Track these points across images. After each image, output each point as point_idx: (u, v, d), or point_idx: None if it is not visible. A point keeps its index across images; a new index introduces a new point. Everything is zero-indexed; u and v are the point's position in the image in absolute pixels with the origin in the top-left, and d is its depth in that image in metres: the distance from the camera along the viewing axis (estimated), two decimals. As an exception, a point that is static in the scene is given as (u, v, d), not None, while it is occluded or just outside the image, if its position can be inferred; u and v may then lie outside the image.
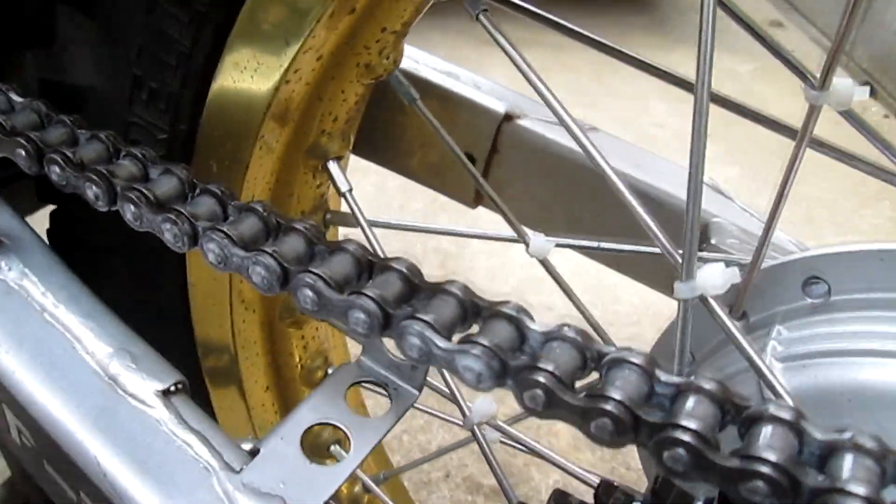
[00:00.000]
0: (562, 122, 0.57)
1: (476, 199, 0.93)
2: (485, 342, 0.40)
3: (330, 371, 0.88)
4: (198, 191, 0.52)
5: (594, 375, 0.41)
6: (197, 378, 0.84)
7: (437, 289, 0.45)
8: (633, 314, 1.98)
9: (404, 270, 0.45)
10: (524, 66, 0.54)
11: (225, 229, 0.47)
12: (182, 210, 0.49)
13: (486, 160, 0.89)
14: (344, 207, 0.75)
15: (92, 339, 0.54)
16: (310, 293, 0.45)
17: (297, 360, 0.86)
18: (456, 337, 0.44)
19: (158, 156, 0.63)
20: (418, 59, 0.88)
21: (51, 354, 0.54)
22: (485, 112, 0.86)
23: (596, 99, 2.91)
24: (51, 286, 0.57)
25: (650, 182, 0.82)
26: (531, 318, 0.43)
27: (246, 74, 0.58)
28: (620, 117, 2.80)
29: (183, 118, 0.62)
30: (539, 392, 0.39)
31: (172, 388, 0.53)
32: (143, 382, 0.53)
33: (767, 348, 0.59)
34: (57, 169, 0.52)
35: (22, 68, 0.64)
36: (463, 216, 1.09)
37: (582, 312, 0.74)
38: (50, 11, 0.62)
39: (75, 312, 0.56)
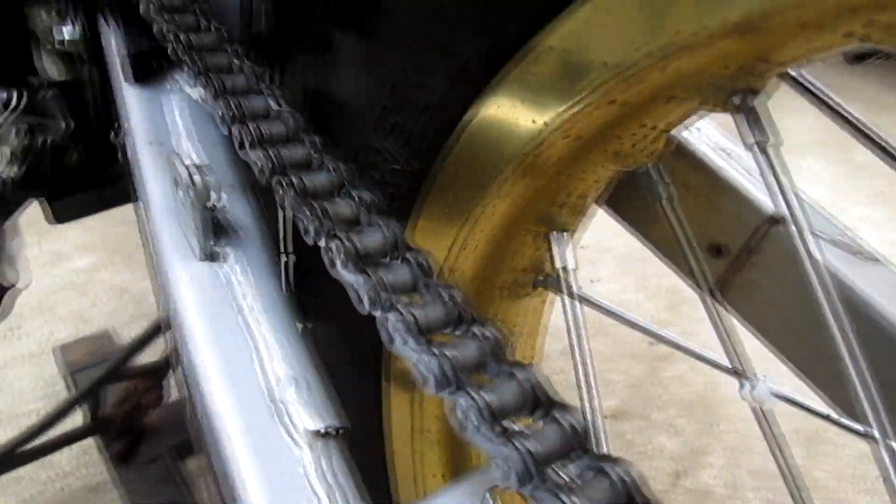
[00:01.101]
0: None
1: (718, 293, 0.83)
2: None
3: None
4: (397, 254, 0.50)
5: None
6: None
7: (597, 465, 0.39)
8: None
9: (567, 425, 0.40)
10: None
11: (402, 311, 0.45)
12: (371, 273, 0.47)
13: (737, 257, 0.78)
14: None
15: (269, 354, 0.56)
16: (461, 414, 0.41)
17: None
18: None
19: (389, 192, 0.63)
20: (700, 127, 0.79)
21: (231, 356, 0.56)
22: (750, 206, 0.75)
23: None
24: (256, 291, 0.59)
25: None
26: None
27: (485, 139, 0.55)
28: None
29: (420, 156, 0.61)
30: None
31: (327, 432, 0.53)
32: (303, 416, 0.54)
33: None
34: (280, 190, 0.54)
35: (293, 72, 0.67)
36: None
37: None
38: (332, 21, 0.63)
39: (266, 324, 0.57)
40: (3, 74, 1.02)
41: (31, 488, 1.70)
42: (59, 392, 1.94)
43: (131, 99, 0.71)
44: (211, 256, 0.61)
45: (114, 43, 0.74)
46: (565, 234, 0.65)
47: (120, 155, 0.75)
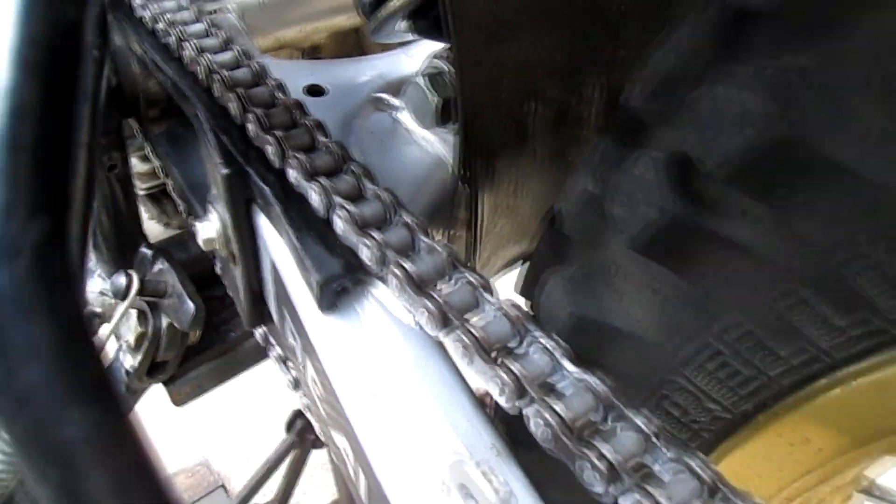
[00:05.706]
0: None
1: None
2: None
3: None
4: None
5: None
6: None
7: None
8: None
9: None
10: None
11: None
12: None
13: None
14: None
15: None
16: None
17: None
18: None
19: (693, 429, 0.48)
20: None
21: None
22: None
23: None
24: None
25: None
26: None
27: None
28: None
29: (750, 403, 0.46)
30: None
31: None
32: None
33: None
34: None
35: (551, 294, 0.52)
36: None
37: None
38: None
39: None
40: (118, 256, 0.88)
41: None
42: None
43: (324, 334, 0.57)
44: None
45: (286, 265, 0.59)
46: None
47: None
